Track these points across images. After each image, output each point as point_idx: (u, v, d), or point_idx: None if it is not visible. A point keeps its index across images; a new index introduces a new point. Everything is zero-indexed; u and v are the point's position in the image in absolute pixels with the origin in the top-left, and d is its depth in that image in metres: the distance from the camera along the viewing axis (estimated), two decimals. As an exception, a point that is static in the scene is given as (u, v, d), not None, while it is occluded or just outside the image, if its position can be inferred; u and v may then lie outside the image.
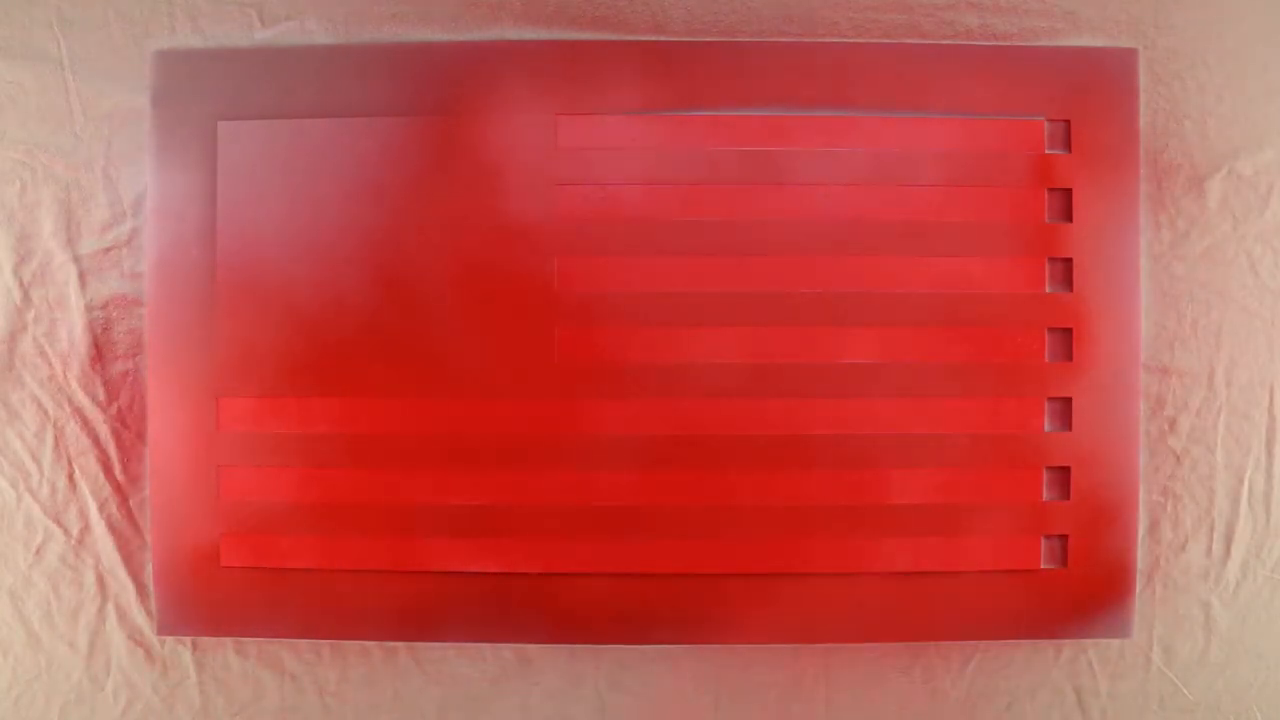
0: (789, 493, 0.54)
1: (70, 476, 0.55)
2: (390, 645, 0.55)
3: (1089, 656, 0.56)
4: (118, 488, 0.55)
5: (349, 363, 0.54)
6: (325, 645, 0.56)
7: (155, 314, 0.54)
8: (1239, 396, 0.55)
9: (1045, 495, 0.54)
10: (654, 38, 0.55)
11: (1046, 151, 0.54)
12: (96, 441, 0.55)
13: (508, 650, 0.56)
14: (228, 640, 0.56)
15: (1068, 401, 0.54)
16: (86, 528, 0.55)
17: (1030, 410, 0.54)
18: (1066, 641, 0.56)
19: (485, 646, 0.56)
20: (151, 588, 0.55)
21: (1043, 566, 0.54)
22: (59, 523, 0.55)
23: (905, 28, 0.55)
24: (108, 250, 0.55)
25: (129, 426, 0.55)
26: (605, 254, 0.54)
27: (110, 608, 0.56)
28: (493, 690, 0.56)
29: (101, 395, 0.55)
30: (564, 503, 0.54)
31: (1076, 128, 0.54)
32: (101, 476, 0.55)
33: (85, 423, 0.55)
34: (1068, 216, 0.54)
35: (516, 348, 0.54)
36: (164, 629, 0.55)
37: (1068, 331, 0.54)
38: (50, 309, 0.55)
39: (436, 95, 0.54)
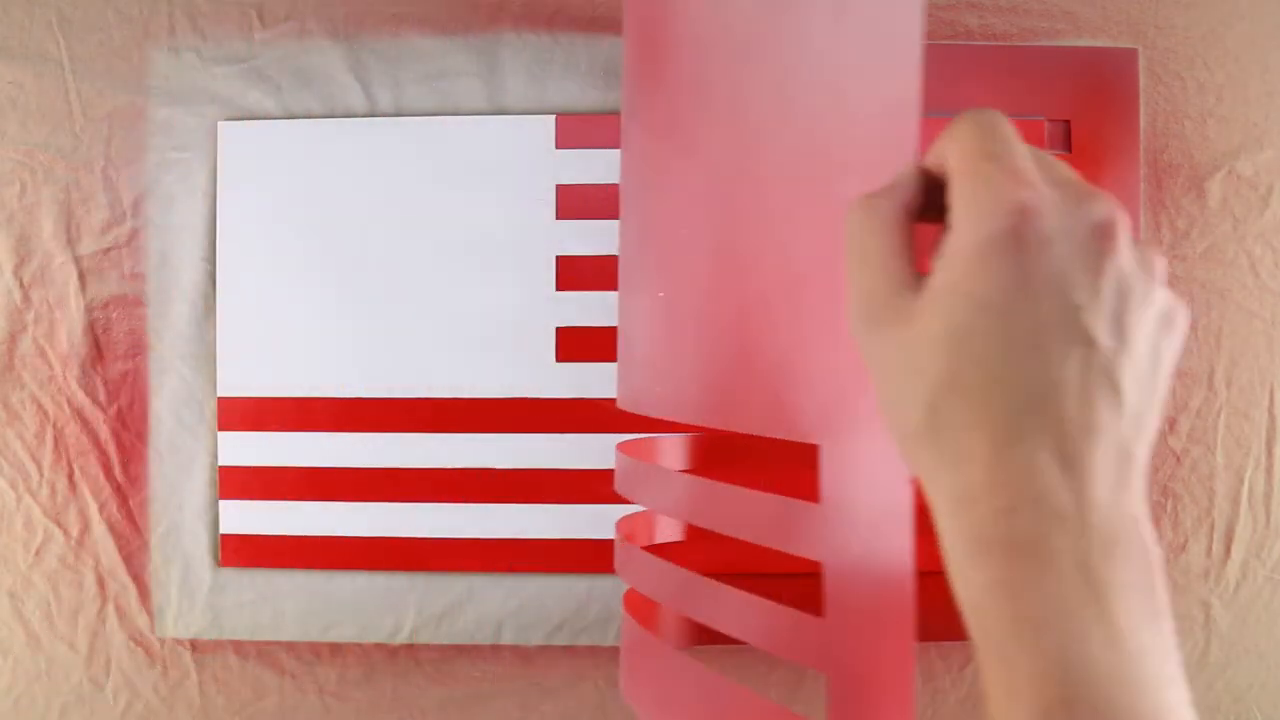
0: (789, 493, 0.54)
1: (70, 477, 0.55)
2: (390, 645, 0.55)
3: (1089, 656, 0.56)
4: (118, 488, 0.55)
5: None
6: (325, 645, 0.56)
7: (155, 314, 0.54)
8: (1239, 396, 0.55)
9: (1045, 495, 0.54)
10: (654, 38, 0.55)
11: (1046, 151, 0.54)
12: (96, 442, 0.55)
13: (508, 650, 0.56)
14: (228, 640, 0.56)
15: (1068, 401, 0.54)
16: (86, 528, 0.55)
17: (1030, 410, 0.54)
18: (1066, 641, 0.56)
19: (485, 646, 0.55)
20: (152, 588, 0.55)
21: (1043, 566, 0.54)
22: (59, 523, 0.55)
23: (905, 28, 0.55)
24: (108, 251, 0.55)
25: (129, 427, 0.55)
26: (605, 254, 0.54)
27: (110, 608, 0.56)
28: (493, 690, 0.56)
29: (101, 395, 0.55)
30: (564, 502, 0.53)
31: (1076, 128, 0.54)
32: (101, 477, 0.55)
33: (85, 423, 0.55)
34: (1068, 216, 0.54)
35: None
36: (164, 629, 0.55)
37: (1068, 331, 0.54)
38: (50, 309, 0.55)
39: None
